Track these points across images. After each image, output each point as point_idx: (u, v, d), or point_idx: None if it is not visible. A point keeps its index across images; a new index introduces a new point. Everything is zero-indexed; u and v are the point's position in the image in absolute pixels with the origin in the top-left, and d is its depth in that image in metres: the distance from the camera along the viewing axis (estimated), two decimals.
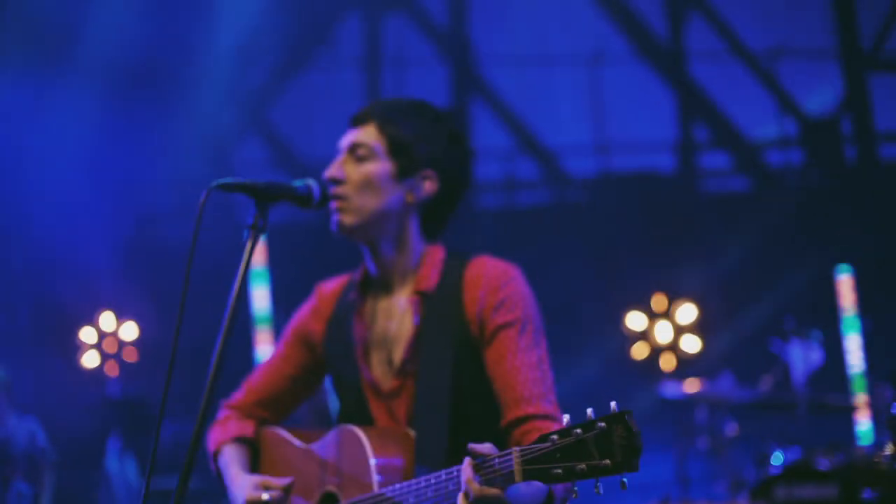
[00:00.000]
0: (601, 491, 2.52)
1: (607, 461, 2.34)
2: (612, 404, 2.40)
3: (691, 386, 9.15)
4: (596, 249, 13.12)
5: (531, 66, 13.88)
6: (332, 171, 3.18)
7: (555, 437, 2.42)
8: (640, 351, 11.21)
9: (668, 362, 10.91)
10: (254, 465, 3.41)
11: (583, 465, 2.37)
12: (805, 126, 13.18)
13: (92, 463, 11.06)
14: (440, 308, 3.15)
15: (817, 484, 6.98)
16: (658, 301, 11.27)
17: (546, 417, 2.98)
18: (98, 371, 11.85)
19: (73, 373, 11.79)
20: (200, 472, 3.44)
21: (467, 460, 2.59)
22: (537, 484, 2.70)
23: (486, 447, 2.57)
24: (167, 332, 11.57)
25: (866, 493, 6.76)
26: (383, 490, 2.89)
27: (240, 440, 3.40)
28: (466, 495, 2.56)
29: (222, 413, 3.51)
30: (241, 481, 3.19)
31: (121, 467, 10.40)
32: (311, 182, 3.08)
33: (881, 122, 12.84)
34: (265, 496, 3.04)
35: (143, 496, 2.83)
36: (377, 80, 13.88)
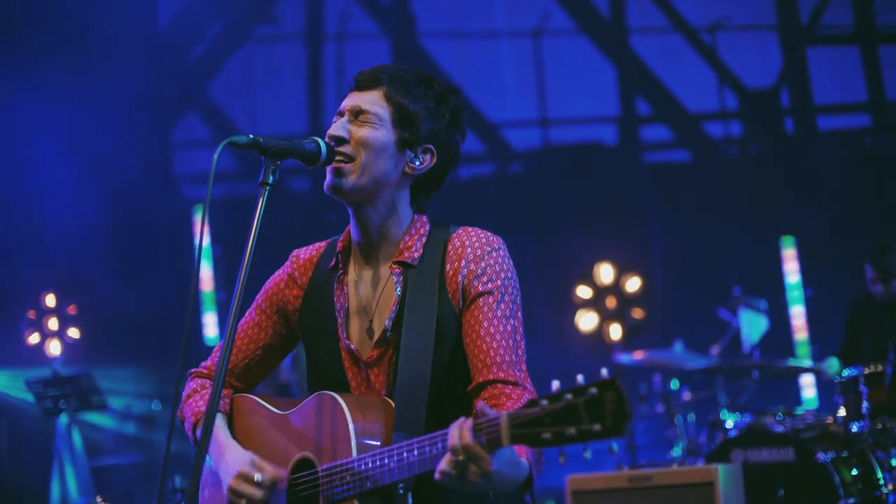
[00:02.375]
0: (590, 455, 2.56)
1: (598, 426, 2.38)
2: (603, 371, 2.44)
3: (643, 355, 9.27)
4: (539, 222, 13.17)
5: (473, 39, 13.87)
6: (336, 131, 3.18)
7: (545, 401, 2.46)
8: (587, 322, 11.29)
9: (616, 332, 11.01)
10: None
11: (573, 430, 2.40)
12: (745, 98, 13.33)
13: (41, 442, 10.94)
14: (422, 279, 3.16)
15: (773, 447, 7.10)
16: (604, 272, 11.36)
17: (515, 384, 3.02)
18: (40, 348, 11.71)
19: (16, 352, 11.63)
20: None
21: (462, 419, 2.63)
22: (521, 464, 2.77)
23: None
24: (113, 304, 11.48)
25: (821, 456, 6.89)
26: (362, 455, 2.91)
27: (217, 412, 3.37)
28: (455, 451, 2.60)
29: (195, 383, 3.49)
30: (235, 454, 3.20)
31: (69, 445, 10.29)
32: (320, 140, 3.11)
33: (819, 95, 13.02)
34: (257, 476, 3.08)
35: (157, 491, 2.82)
36: (319, 54, 13.78)
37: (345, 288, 3.26)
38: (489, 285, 3.09)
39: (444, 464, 2.63)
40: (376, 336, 3.19)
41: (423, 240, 3.21)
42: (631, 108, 13.70)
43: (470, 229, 3.21)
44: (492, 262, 3.12)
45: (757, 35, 13.24)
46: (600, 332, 11.15)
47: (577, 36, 13.70)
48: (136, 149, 12.22)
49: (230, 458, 3.19)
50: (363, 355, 3.20)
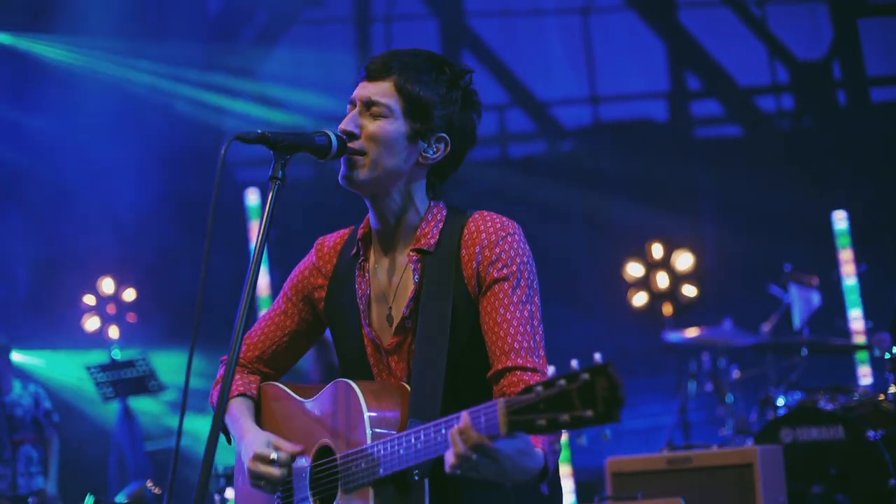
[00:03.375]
0: (584, 442, 2.57)
1: (590, 412, 2.36)
2: (596, 356, 2.44)
3: (693, 332, 9.22)
4: (591, 199, 13.14)
5: (521, 18, 13.84)
6: (346, 126, 3.15)
7: (539, 388, 2.46)
8: (639, 299, 11.26)
9: (667, 310, 10.97)
10: (255, 420, 3.42)
11: (566, 416, 2.39)
12: (796, 71, 13.19)
13: (100, 426, 11.14)
14: (439, 266, 3.16)
15: (823, 425, 7.05)
16: (655, 249, 11.32)
17: (533, 370, 3.01)
18: (98, 333, 11.89)
19: (74, 336, 11.82)
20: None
21: (465, 411, 2.64)
22: (535, 454, 2.76)
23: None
24: (169, 287, 11.63)
25: (871, 434, 6.84)
26: (375, 443, 2.94)
27: (244, 395, 3.43)
28: (455, 440, 2.62)
29: (224, 370, 3.49)
30: (252, 436, 3.23)
31: (127, 429, 10.46)
32: (330, 133, 3.10)
33: (871, 66, 12.86)
34: (273, 455, 3.10)
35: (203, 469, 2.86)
36: (367, 36, 13.83)
37: (366, 275, 3.27)
38: (504, 271, 3.07)
39: (450, 455, 2.65)
40: (395, 323, 3.19)
41: (440, 226, 3.20)
42: (681, 83, 13.61)
43: (486, 214, 3.19)
44: (506, 247, 3.09)
45: (807, 7, 13.10)
46: (652, 310, 11.11)
47: (626, 11, 13.65)
48: (188, 134, 12.36)
49: (248, 440, 3.24)
50: (383, 343, 3.21)
